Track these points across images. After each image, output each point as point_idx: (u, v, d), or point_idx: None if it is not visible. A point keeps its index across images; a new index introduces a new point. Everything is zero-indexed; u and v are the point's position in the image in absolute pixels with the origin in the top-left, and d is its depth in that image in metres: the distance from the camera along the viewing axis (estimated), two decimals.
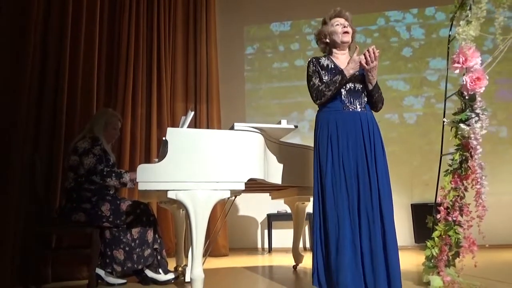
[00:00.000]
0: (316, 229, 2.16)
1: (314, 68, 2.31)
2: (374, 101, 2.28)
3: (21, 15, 2.90)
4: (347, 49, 2.38)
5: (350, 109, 2.22)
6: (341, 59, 2.34)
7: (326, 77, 2.27)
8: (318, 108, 2.33)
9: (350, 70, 2.17)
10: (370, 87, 2.23)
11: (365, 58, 2.12)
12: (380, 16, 5.55)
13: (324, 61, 2.32)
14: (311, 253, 2.22)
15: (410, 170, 5.04)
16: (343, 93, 2.23)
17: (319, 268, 2.12)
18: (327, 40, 2.36)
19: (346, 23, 2.33)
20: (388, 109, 5.02)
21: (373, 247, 2.04)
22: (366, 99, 2.28)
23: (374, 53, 2.11)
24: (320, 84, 2.25)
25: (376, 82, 2.25)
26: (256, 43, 5.81)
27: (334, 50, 2.37)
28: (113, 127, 2.90)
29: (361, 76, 2.27)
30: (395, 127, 5.27)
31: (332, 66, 2.30)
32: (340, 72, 2.20)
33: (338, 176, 2.12)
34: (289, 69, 5.65)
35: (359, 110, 2.22)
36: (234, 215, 5.23)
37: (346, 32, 2.30)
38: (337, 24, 2.31)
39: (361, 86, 2.26)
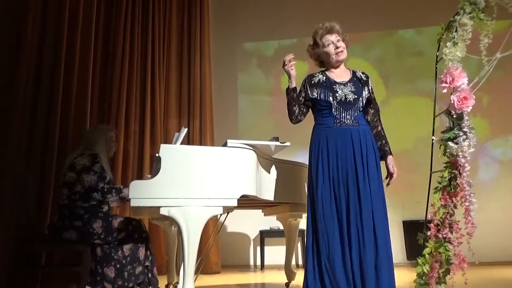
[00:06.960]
0: (309, 243, 2.17)
1: (302, 87, 2.34)
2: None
3: (15, 30, 2.93)
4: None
5: (341, 125, 2.21)
6: (336, 72, 2.33)
7: (317, 92, 2.27)
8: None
9: None
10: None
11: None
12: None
13: (316, 78, 2.31)
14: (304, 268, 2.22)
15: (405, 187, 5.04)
16: (334, 106, 2.22)
17: (309, 283, 2.11)
18: (321, 60, 2.36)
19: (338, 38, 2.28)
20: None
21: (363, 260, 2.05)
22: (359, 112, 2.25)
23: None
24: (296, 102, 2.31)
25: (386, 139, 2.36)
26: (250, 59, 5.87)
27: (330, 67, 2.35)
28: (112, 140, 2.93)
29: (355, 87, 2.27)
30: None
31: (324, 79, 2.29)
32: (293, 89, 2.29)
33: (327, 191, 2.15)
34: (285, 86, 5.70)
35: (351, 124, 2.21)
36: (227, 232, 5.20)
37: (340, 51, 2.28)
38: (329, 44, 2.27)
39: (353, 97, 2.24)
